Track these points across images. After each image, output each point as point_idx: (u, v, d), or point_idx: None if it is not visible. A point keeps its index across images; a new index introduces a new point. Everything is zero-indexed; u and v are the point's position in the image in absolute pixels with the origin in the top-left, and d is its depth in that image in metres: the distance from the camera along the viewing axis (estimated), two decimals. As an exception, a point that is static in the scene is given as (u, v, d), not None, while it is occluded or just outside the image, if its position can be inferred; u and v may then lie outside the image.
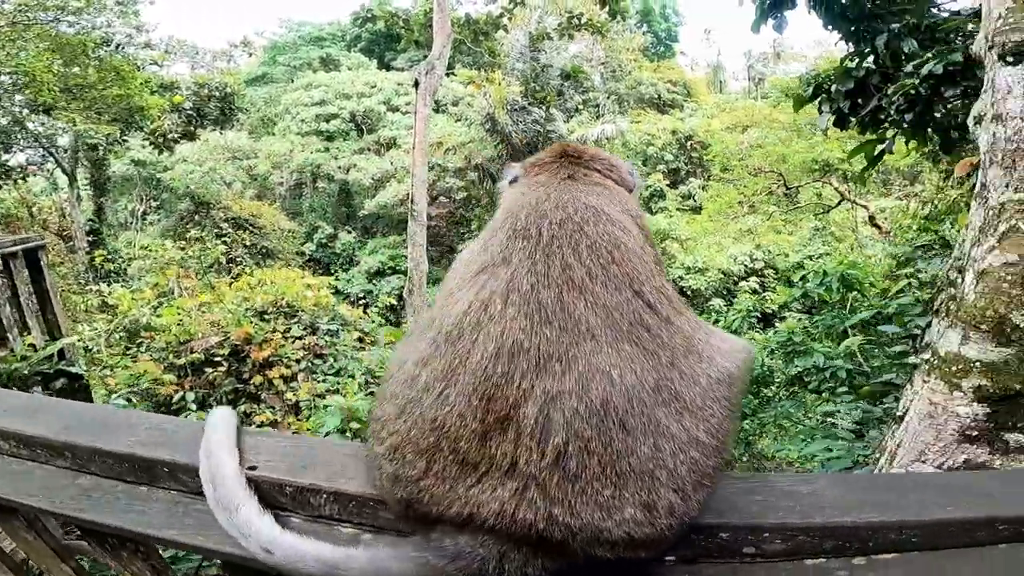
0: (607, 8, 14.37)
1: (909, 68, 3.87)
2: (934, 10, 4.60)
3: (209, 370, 9.39)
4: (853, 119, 4.65)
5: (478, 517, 0.84)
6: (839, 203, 16.18)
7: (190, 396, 8.56)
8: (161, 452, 1.19)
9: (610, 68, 27.91)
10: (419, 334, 1.00)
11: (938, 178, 12.58)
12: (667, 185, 24.21)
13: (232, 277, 16.43)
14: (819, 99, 4.85)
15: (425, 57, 14.90)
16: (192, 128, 24.11)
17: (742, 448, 9.32)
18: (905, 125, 4.64)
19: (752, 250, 19.83)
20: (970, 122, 2.26)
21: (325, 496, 1.07)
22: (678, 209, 23.05)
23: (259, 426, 8.42)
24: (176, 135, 23.11)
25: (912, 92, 3.90)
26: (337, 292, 20.26)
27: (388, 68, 33.51)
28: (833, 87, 4.62)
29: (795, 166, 16.11)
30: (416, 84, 13.85)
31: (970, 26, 4.06)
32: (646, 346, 0.90)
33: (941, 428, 1.98)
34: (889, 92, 4.13)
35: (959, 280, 2.15)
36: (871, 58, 4.41)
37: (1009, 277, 1.92)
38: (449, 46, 14.49)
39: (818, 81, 4.81)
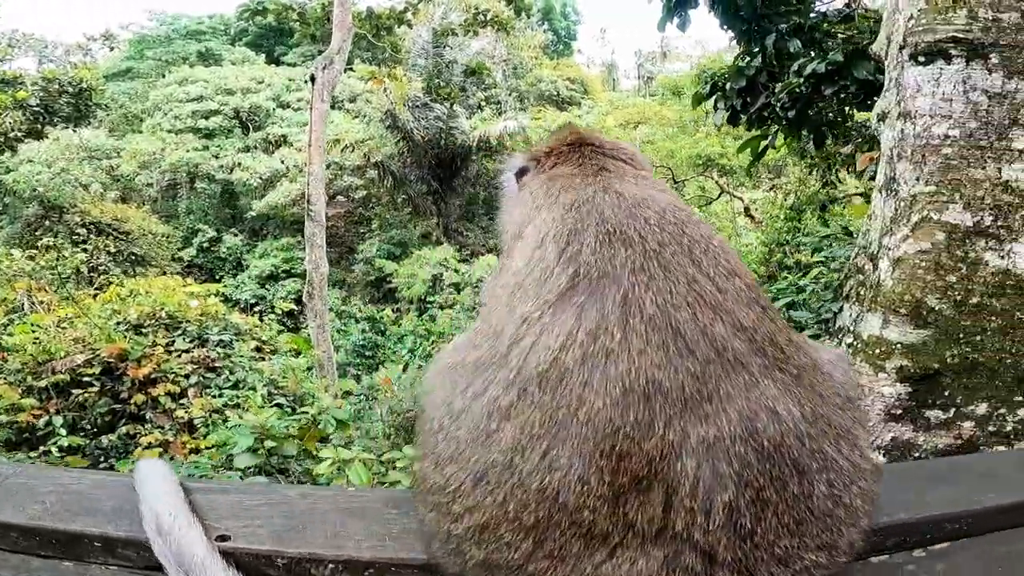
0: (512, 5, 14.48)
1: (795, 67, 4.15)
2: (821, 9, 4.99)
3: (78, 391, 8.42)
4: (744, 116, 4.94)
5: None
6: (719, 195, 17.48)
7: (57, 420, 7.65)
8: (84, 523, 0.92)
9: (511, 65, 28.21)
10: (472, 371, 0.81)
11: (800, 171, 13.87)
12: (566, 180, 24.84)
13: (96, 288, 14.81)
14: (715, 97, 5.10)
15: (321, 52, 14.26)
16: (39, 126, 21.40)
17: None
18: (784, 122, 5.01)
19: (647, 241, 20.85)
20: (873, 119, 2.41)
21: (331, 566, 0.84)
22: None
23: (147, 448, 7.75)
24: (20, 134, 20.41)
25: (796, 90, 4.19)
26: (226, 299, 18.90)
27: (278, 63, 32.11)
28: (727, 85, 4.88)
29: (682, 161, 17.16)
30: (312, 79, 13.24)
31: (841, 27, 4.46)
32: (790, 371, 0.78)
33: (868, 408, 2.08)
34: (776, 90, 4.41)
35: (869, 267, 2.28)
36: (760, 58, 4.70)
37: (923, 264, 2.05)
38: (349, 41, 14.02)
39: (714, 80, 5.07)
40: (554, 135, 1.22)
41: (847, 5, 5.25)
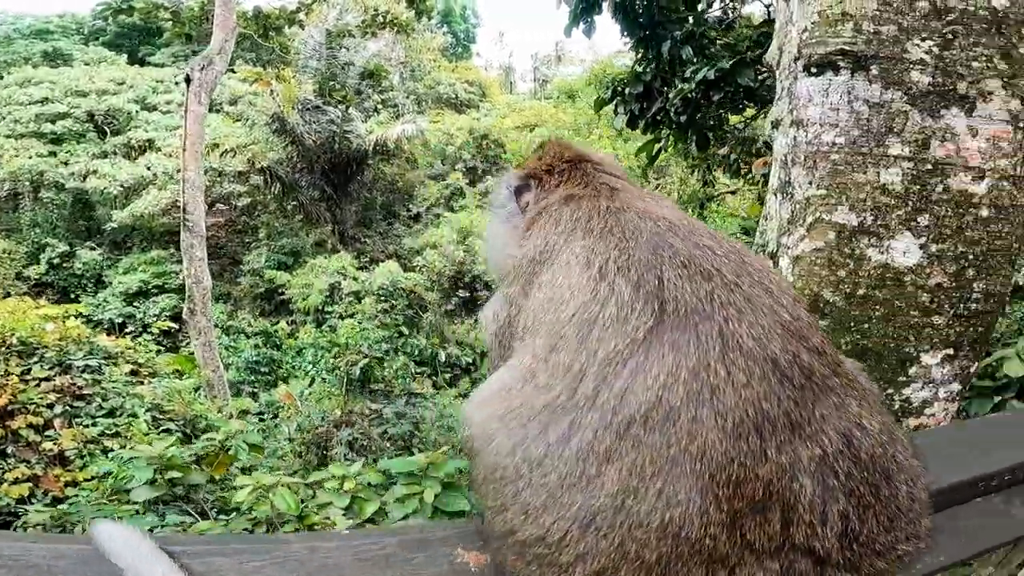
0: (413, 6, 14.18)
1: (687, 74, 4.39)
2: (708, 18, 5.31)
3: (-87, 430, 7.30)
4: (641, 120, 5.15)
5: None
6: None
7: None
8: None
9: (409, 68, 27.65)
10: (547, 416, 0.77)
11: (682, 172, 14.85)
12: (466, 183, 24.79)
13: None
14: (616, 101, 5.28)
15: (196, 52, 13.29)
16: None
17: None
18: (675, 126, 5.31)
19: (545, 242, 21.32)
20: (767, 126, 2.57)
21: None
22: (477, 206, 23.81)
23: (14, 483, 6.92)
24: None
25: (688, 96, 4.43)
26: (88, 320, 16.90)
27: (143, 64, 29.31)
28: (627, 91, 5.07)
29: (578, 163, 17.76)
30: (188, 80, 12.21)
31: (724, 35, 4.79)
32: (857, 387, 0.86)
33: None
34: (671, 96, 4.64)
35: (769, 265, 2.43)
36: (656, 64, 4.93)
37: (818, 260, 2.20)
38: (232, 41, 13.13)
39: (615, 85, 5.25)
40: (545, 151, 1.19)
41: (725, 13, 5.65)
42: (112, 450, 7.30)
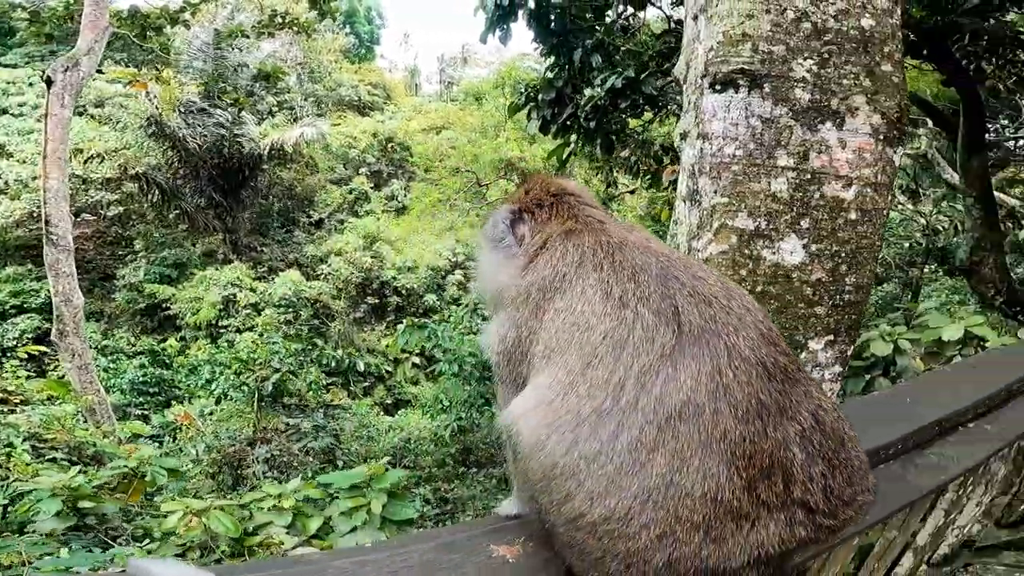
0: (317, 7, 13.55)
1: (597, 81, 4.67)
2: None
3: None
4: (554, 125, 5.39)
5: (764, 554, 0.94)
6: (521, 198, 18.61)
7: None
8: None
9: (308, 69, 26.43)
10: (596, 419, 0.95)
11: (585, 173, 15.53)
12: (371, 187, 24.21)
13: None
14: (529, 107, 5.47)
15: (55, 52, 12.15)
16: None
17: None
18: (582, 132, 5.60)
19: (454, 244, 21.35)
20: (676, 138, 2.83)
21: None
22: (383, 211, 23.32)
23: None
24: None
25: (598, 103, 4.71)
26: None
27: None
28: (539, 97, 5.28)
29: (486, 165, 17.96)
30: (49, 82, 11.02)
31: (628, 42, 5.12)
32: (809, 378, 1.10)
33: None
34: (581, 103, 4.90)
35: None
36: (567, 71, 5.17)
37: (724, 262, 2.47)
38: (103, 42, 12.02)
39: (527, 92, 5.44)
40: (530, 185, 1.35)
41: (628, 21, 6.01)
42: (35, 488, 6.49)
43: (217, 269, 20.32)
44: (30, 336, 18.20)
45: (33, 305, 19.10)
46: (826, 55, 2.32)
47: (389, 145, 24.92)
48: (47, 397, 10.92)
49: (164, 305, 19.97)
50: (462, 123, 21.29)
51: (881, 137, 2.45)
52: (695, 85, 2.53)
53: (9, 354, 16.94)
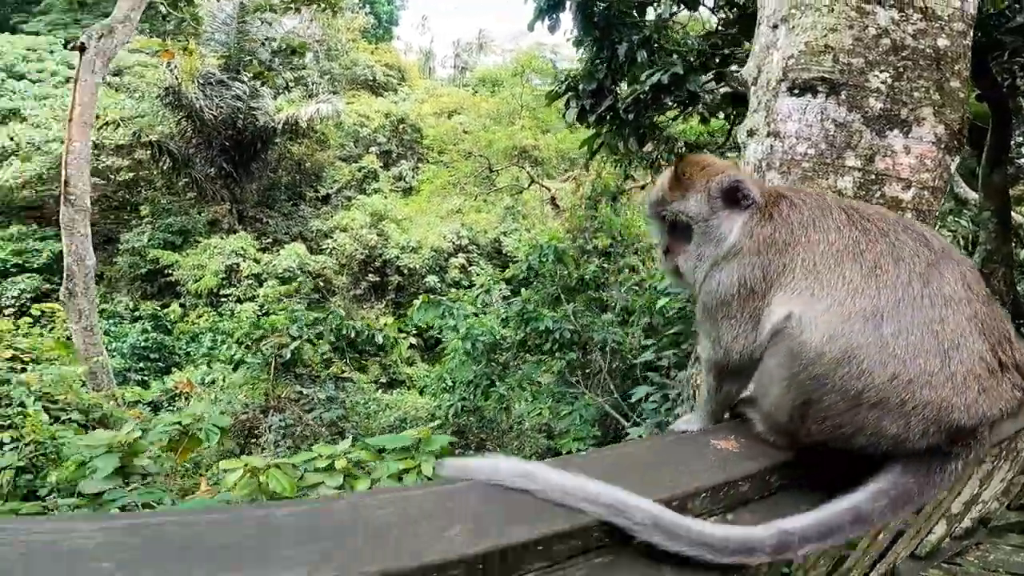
0: None
1: (643, 77, 4.76)
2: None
3: None
4: (592, 115, 5.48)
5: (1002, 410, 1.22)
6: (530, 184, 18.71)
7: None
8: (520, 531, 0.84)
9: (325, 46, 26.24)
10: (888, 314, 1.24)
11: (599, 165, 15.58)
12: (380, 167, 24.15)
13: None
14: (568, 96, 5.56)
15: (79, 20, 12.12)
16: None
17: (503, 415, 10.21)
18: (616, 123, 5.69)
19: (459, 228, 21.40)
20: (741, 134, 2.96)
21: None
22: (391, 190, 23.30)
23: None
24: None
25: (640, 96, 4.81)
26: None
27: (14, 31, 26.04)
28: (580, 86, 5.36)
29: (499, 151, 17.97)
30: (82, 49, 11.00)
31: (672, 43, 5.21)
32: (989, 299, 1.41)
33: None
34: (623, 95, 5.00)
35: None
36: (608, 64, 5.26)
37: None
38: (140, 10, 12.04)
39: (569, 81, 5.52)
40: (705, 163, 1.59)
41: (662, 19, 6.07)
42: (3, 443, 6.54)
43: (222, 238, 20.30)
44: (29, 295, 18.17)
45: (35, 265, 19.04)
46: (901, 69, 2.46)
47: (401, 126, 24.84)
48: (57, 357, 10.92)
49: (166, 271, 19.94)
50: (477, 109, 21.23)
51: (943, 146, 2.60)
52: (767, 88, 2.65)
53: (11, 312, 16.92)
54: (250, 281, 20.03)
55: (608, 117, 5.62)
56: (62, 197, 12.51)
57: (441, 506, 0.83)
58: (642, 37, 5.03)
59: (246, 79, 20.35)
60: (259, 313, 17.68)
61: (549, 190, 19.21)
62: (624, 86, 5.53)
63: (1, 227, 19.70)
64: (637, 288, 8.99)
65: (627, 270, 10.07)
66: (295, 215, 23.10)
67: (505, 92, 20.30)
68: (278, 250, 20.72)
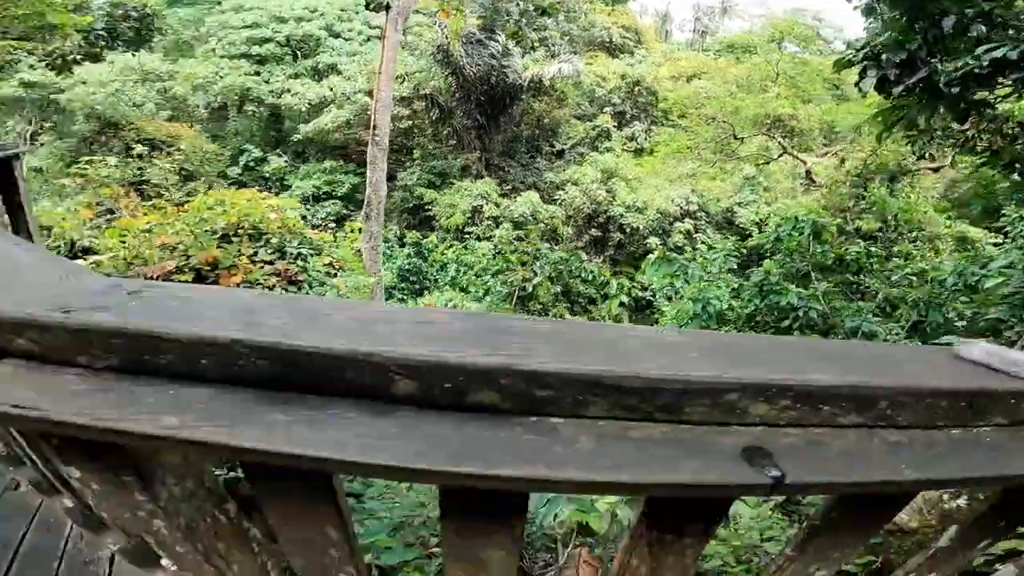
0: None
1: (981, 51, 4.46)
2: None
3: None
4: (897, 86, 5.25)
5: None
6: (780, 155, 17.51)
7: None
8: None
9: (565, 8, 27.53)
10: None
11: (879, 143, 13.95)
12: (613, 126, 24.72)
13: (153, 199, 15.55)
14: (865, 65, 5.39)
15: None
16: (98, 50, 21.86)
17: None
18: (928, 97, 5.29)
19: (688, 193, 21.04)
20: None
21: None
22: (623, 150, 23.75)
23: None
24: (77, 56, 20.98)
25: (976, 71, 4.51)
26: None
27: None
28: (884, 56, 5.17)
29: (746, 119, 17.14)
30: (387, 7, 13.26)
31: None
32: None
33: None
34: (948, 69, 4.72)
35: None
36: (923, 35, 4.97)
37: None
38: None
39: (869, 49, 5.35)
40: None
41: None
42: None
43: (471, 182, 22.97)
44: (333, 217, 22.96)
45: (338, 193, 23.95)
46: None
47: (636, 88, 24.95)
48: (351, 268, 13.86)
49: (426, 207, 23.38)
50: (722, 74, 20.26)
51: None
52: None
53: (318, 228, 21.71)
54: (489, 222, 22.49)
55: (918, 90, 5.30)
56: (370, 138, 15.50)
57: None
58: (978, 10, 4.61)
59: (500, 39, 22.24)
60: (494, 252, 19.91)
61: (804, 163, 17.73)
62: (938, 60, 5.14)
63: (319, 161, 24.94)
64: (914, 279, 8.17)
65: (900, 258, 9.20)
66: (532, 166, 24.96)
67: (757, 58, 18.94)
68: (515, 197, 22.79)
